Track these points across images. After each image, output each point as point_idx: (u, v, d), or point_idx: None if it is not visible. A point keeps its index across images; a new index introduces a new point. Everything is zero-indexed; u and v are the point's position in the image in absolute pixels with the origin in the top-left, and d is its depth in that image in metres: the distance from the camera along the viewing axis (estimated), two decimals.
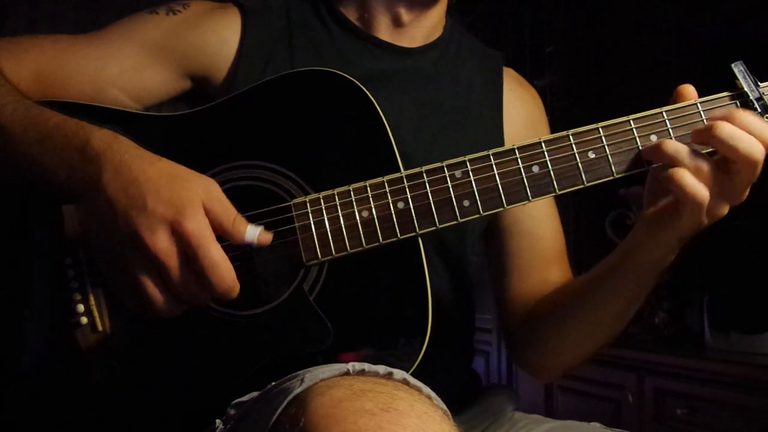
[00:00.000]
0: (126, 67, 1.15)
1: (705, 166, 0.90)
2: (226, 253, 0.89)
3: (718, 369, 2.33)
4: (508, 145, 1.24)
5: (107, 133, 0.91)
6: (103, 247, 0.90)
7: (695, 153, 0.90)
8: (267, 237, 0.93)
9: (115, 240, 0.87)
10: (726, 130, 0.89)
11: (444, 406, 0.80)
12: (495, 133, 1.26)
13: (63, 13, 3.18)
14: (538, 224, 1.27)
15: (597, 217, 2.42)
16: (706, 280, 2.60)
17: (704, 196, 0.90)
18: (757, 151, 0.89)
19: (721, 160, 0.91)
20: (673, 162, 0.91)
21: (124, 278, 0.88)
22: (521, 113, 1.31)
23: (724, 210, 0.93)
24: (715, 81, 0.98)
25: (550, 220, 1.30)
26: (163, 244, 0.85)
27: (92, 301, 0.97)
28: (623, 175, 0.95)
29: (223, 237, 0.90)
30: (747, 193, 0.93)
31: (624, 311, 1.10)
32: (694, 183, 0.90)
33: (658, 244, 1.00)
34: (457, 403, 1.21)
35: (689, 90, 0.95)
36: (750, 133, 0.89)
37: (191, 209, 0.86)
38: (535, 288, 1.25)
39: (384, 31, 1.21)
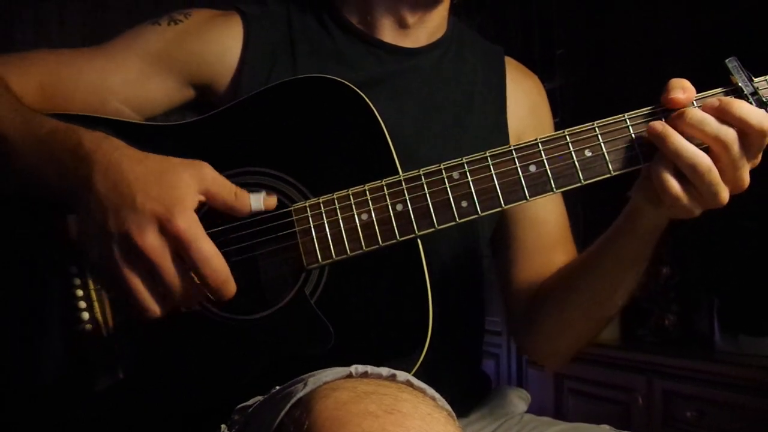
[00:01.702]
0: (129, 79, 1.16)
1: (704, 166, 0.89)
2: (227, 258, 0.89)
3: (728, 371, 2.32)
4: (511, 140, 1.25)
5: (98, 134, 0.92)
6: (96, 249, 0.90)
7: (696, 152, 0.90)
8: (272, 200, 0.95)
9: (107, 240, 0.87)
10: (692, 115, 0.90)
11: (448, 408, 0.80)
12: (499, 129, 1.27)
13: (70, 17, 3.19)
14: (541, 209, 1.27)
15: (606, 219, 2.41)
16: (715, 283, 2.59)
17: (682, 198, 0.91)
18: (725, 133, 0.89)
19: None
20: (672, 158, 0.91)
21: (117, 280, 0.88)
22: (525, 104, 1.32)
23: (726, 198, 0.92)
24: (724, 82, 0.98)
25: (554, 204, 1.29)
26: (152, 242, 0.85)
27: (96, 308, 0.98)
28: (620, 172, 0.94)
29: (230, 213, 0.92)
30: (746, 178, 0.92)
31: (623, 280, 1.10)
32: (676, 188, 0.91)
33: (654, 213, 1.00)
34: (466, 405, 1.22)
35: (682, 83, 0.95)
36: (723, 117, 0.90)
37: (180, 206, 0.86)
38: (539, 271, 1.26)
39: (387, 33, 1.21)
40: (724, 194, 0.91)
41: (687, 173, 0.90)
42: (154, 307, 0.89)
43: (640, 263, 1.08)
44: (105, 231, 0.87)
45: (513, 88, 1.31)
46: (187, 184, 0.88)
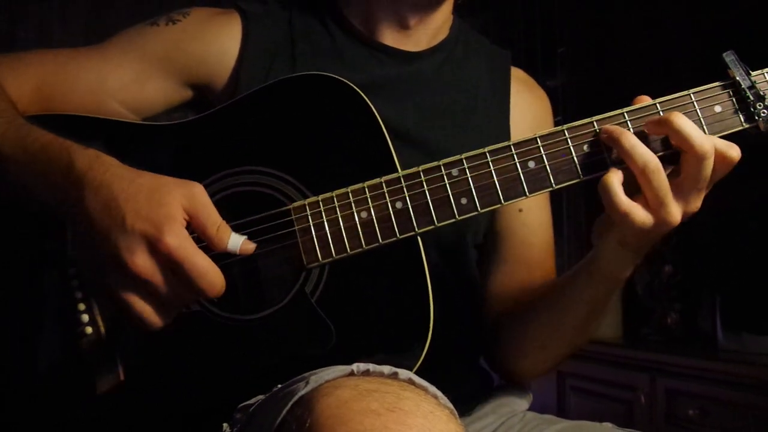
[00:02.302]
0: (126, 80, 1.16)
1: (653, 165, 0.89)
2: (227, 259, 0.89)
3: (731, 370, 2.32)
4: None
5: (90, 153, 0.91)
6: (91, 268, 0.90)
7: (648, 152, 0.90)
8: (250, 247, 0.93)
9: (99, 261, 0.87)
10: (683, 120, 0.89)
11: (450, 406, 0.80)
12: (501, 137, 1.25)
13: (72, 16, 3.19)
14: (531, 232, 1.28)
15: None
16: (718, 281, 2.59)
17: (625, 205, 0.90)
18: (708, 147, 0.88)
19: (674, 170, 0.92)
20: (625, 156, 0.91)
21: (114, 300, 0.88)
22: (528, 118, 1.31)
23: (676, 216, 0.91)
24: (723, 77, 0.98)
25: (543, 229, 1.30)
26: (143, 262, 0.85)
27: (96, 311, 0.97)
28: (618, 167, 0.93)
29: (206, 243, 0.89)
30: (699, 202, 0.92)
31: (584, 319, 1.11)
32: (619, 193, 0.90)
33: (609, 252, 1.01)
34: (468, 403, 1.21)
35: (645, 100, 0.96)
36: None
37: (169, 224, 0.85)
38: (513, 290, 1.26)
39: (388, 36, 1.20)
40: (674, 209, 0.91)
41: (637, 175, 0.90)
42: (153, 322, 0.89)
43: (600, 307, 1.10)
44: (97, 253, 0.87)
45: (518, 101, 1.30)
46: (178, 202, 0.87)
